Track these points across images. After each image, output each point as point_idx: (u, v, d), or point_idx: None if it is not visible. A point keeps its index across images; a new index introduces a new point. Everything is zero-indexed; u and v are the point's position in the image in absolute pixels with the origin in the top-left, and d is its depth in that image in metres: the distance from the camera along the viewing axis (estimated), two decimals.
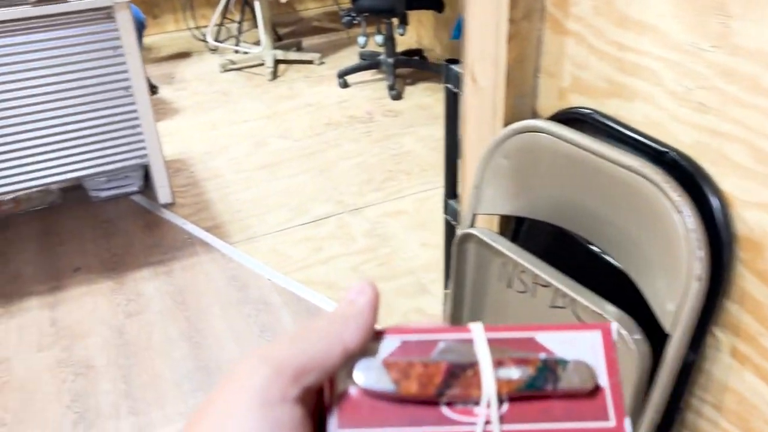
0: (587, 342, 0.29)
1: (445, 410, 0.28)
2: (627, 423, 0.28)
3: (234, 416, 0.25)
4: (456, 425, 0.28)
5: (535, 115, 1.11)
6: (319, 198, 2.49)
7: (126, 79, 2.26)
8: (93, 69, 2.21)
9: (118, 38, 2.19)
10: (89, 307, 1.99)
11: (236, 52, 3.93)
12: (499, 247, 1.01)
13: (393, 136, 2.94)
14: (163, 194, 2.48)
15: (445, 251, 1.68)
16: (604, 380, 0.29)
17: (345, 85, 3.44)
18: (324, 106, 3.24)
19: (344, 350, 0.27)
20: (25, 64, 2.13)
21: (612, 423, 0.28)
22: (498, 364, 0.28)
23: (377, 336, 0.29)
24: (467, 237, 1.07)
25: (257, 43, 3.83)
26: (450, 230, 1.66)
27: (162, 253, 2.22)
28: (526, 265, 0.97)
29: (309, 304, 1.97)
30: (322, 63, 3.75)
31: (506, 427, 0.28)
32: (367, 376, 0.28)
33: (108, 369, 1.77)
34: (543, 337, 0.29)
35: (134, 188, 2.56)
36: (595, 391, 0.29)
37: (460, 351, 0.29)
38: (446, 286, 1.72)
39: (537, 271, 0.95)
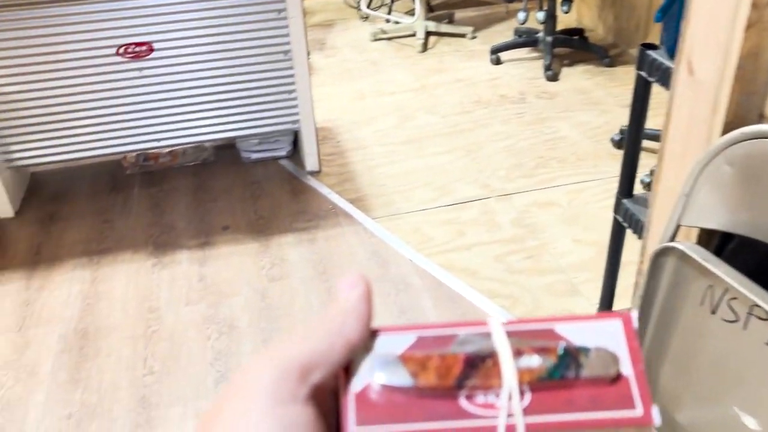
0: (608, 331, 0.29)
1: (465, 403, 0.27)
2: (655, 411, 0.27)
3: (247, 417, 0.25)
4: (477, 419, 0.27)
5: (762, 118, 0.95)
6: (465, 179, 2.40)
7: (287, 43, 2.26)
8: (255, 30, 2.22)
9: (283, 0, 2.19)
10: (236, 267, 2.03)
11: (387, 21, 3.88)
12: (711, 267, 0.87)
13: (547, 119, 2.78)
14: (311, 162, 2.48)
15: (609, 253, 1.55)
16: (627, 369, 0.28)
17: (497, 62, 3.30)
18: (474, 83, 3.13)
19: (347, 344, 0.27)
20: (190, 23, 2.18)
21: (639, 411, 0.27)
22: (517, 353, 0.27)
23: (373, 333, 0.29)
24: (668, 251, 0.94)
25: (409, 12, 3.76)
26: (618, 232, 1.52)
27: (306, 221, 2.22)
28: (744, 292, 0.84)
29: (451, 291, 1.90)
30: (474, 37, 3.63)
31: (529, 419, 0.27)
32: (384, 371, 0.27)
33: (250, 330, 1.79)
34: (562, 328, 0.29)
35: (283, 153, 2.58)
36: (619, 379, 0.28)
37: (478, 343, 0.28)
38: (602, 294, 1.58)
39: (759, 301, 0.82)
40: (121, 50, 2.17)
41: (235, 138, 2.48)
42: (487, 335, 0.28)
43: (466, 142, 2.64)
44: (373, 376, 0.28)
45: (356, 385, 0.28)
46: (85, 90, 2.19)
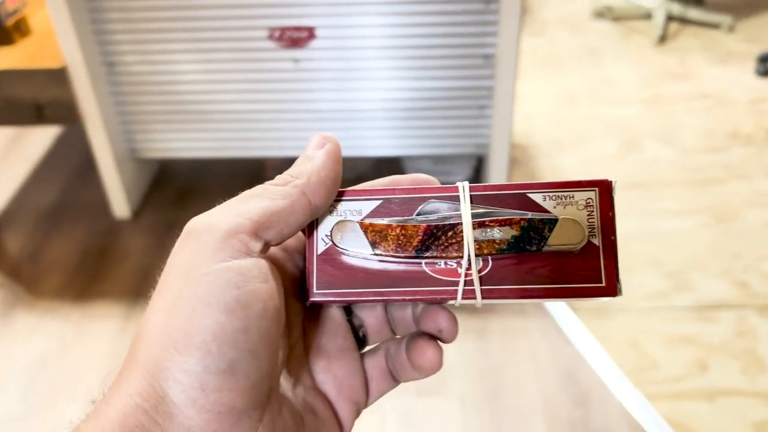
0: (583, 199, 0.28)
1: (426, 268, 0.27)
2: (619, 284, 0.27)
3: (199, 269, 0.24)
4: (437, 284, 0.27)
5: None
6: (711, 267, 1.68)
7: (490, 45, 1.62)
8: (448, 24, 1.61)
9: None
10: None
11: None
12: None
13: None
14: None
15: None
16: (598, 239, 0.28)
17: (766, 73, 2.43)
18: (729, 102, 2.30)
19: (307, 205, 0.27)
20: (364, 7, 1.60)
21: (602, 283, 0.27)
22: (480, 225, 0.27)
23: (340, 194, 0.29)
24: None
25: None
26: None
27: None
28: None
29: None
30: (731, 31, 2.73)
31: (488, 286, 0.27)
32: (344, 238, 0.27)
33: None
34: (535, 195, 0.28)
35: (459, 177, 1.98)
36: (588, 250, 0.27)
37: (442, 212, 0.28)
38: None
39: None
40: (275, 34, 1.64)
41: (402, 156, 1.91)
42: (452, 204, 0.28)
43: (714, 201, 1.88)
44: (332, 240, 0.28)
45: (320, 247, 0.28)
46: (227, 78, 1.71)
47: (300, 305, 0.30)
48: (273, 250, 0.29)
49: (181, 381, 0.24)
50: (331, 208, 0.29)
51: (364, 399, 0.31)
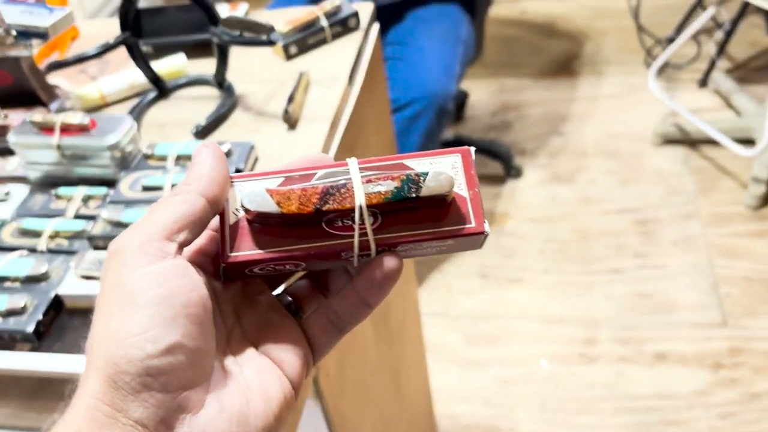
0: (449, 163, 0.33)
1: (326, 228, 0.31)
2: (486, 225, 0.32)
3: (124, 277, 0.28)
4: (337, 238, 0.31)
5: None
6: None
7: None
8: None
9: None
10: None
11: None
12: None
13: None
14: None
15: None
16: (464, 192, 0.32)
17: None
18: None
19: (205, 202, 0.30)
20: None
21: (473, 224, 0.32)
22: (367, 181, 0.31)
23: (243, 176, 0.32)
24: None
25: None
26: None
27: None
28: None
29: None
30: None
31: (379, 235, 0.31)
32: (251, 200, 0.30)
33: None
34: (411, 162, 0.33)
35: None
36: (459, 201, 0.32)
37: (336, 177, 0.32)
38: None
39: None
40: None
41: None
42: (344, 171, 0.32)
43: None
44: (243, 205, 0.31)
45: (231, 219, 0.31)
46: None
47: (227, 295, 0.33)
48: (192, 256, 0.32)
49: (129, 371, 0.27)
50: (236, 187, 0.32)
51: (310, 355, 0.34)
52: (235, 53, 0.83)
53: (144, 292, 0.27)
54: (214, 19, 0.74)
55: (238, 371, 0.31)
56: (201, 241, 0.32)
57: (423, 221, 0.32)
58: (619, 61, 2.46)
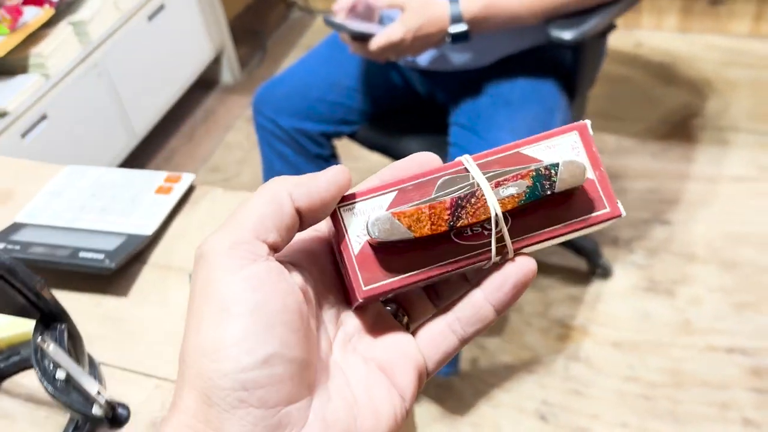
0: (568, 143, 0.31)
1: (457, 239, 0.29)
2: (620, 205, 0.31)
3: (215, 284, 0.26)
4: (471, 249, 0.29)
5: None
6: None
7: None
8: None
9: None
10: None
11: None
12: None
13: None
14: None
15: None
16: (590, 173, 0.31)
17: None
18: None
19: (293, 207, 0.28)
20: None
21: (608, 208, 0.31)
22: (496, 185, 0.29)
23: (349, 198, 0.30)
24: None
25: None
26: None
27: None
28: None
29: None
30: None
31: (516, 239, 0.30)
32: (380, 229, 0.28)
33: None
34: (527, 150, 0.31)
35: None
36: (586, 185, 0.31)
37: (458, 184, 0.30)
38: None
39: None
40: None
41: None
42: (464, 176, 0.30)
43: None
44: (371, 235, 0.29)
45: (355, 248, 0.29)
46: None
47: (330, 301, 0.31)
48: (296, 255, 0.30)
49: (224, 386, 0.25)
50: (350, 211, 0.30)
51: (424, 367, 0.30)
52: None
53: (236, 299, 0.26)
54: None
55: (343, 383, 0.28)
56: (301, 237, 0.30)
57: (555, 213, 0.30)
58: (753, 129, 1.99)
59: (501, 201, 0.29)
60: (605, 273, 1.64)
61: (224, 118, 2.37)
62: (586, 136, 0.31)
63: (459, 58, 1.20)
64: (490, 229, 0.29)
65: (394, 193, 0.30)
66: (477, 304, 0.30)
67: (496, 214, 0.29)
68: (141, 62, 2.00)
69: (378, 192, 0.30)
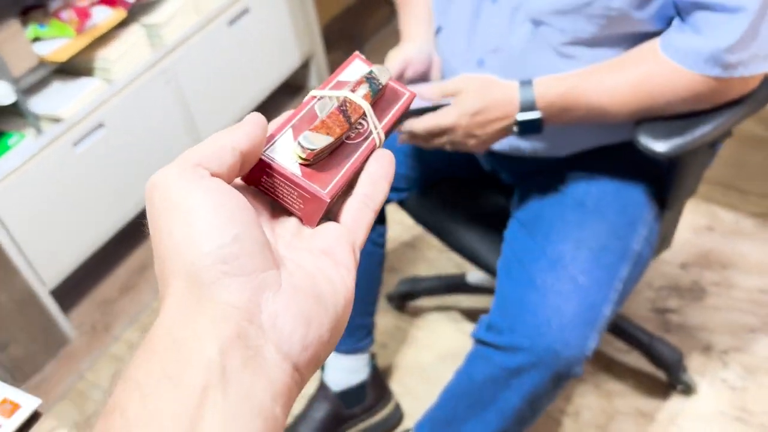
0: (360, 66, 0.42)
1: (351, 141, 0.37)
2: (409, 88, 0.42)
3: (175, 202, 0.31)
4: (364, 141, 0.38)
5: None
6: None
7: None
8: None
9: None
10: None
11: None
12: None
13: None
14: None
15: None
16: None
17: None
18: None
19: (234, 149, 0.33)
20: None
21: (407, 93, 0.41)
22: (352, 92, 0.38)
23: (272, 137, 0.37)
24: None
25: None
26: None
27: None
28: None
29: None
30: None
31: (382, 124, 0.39)
32: (310, 141, 0.35)
33: None
34: (342, 77, 0.41)
35: None
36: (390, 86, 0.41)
37: (329, 103, 0.38)
38: None
39: None
40: None
41: None
42: (328, 98, 0.39)
43: None
44: (306, 149, 0.35)
45: (295, 171, 0.35)
46: None
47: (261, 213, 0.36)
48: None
49: (206, 263, 0.29)
50: (272, 151, 0.36)
51: (353, 239, 0.36)
52: None
53: (198, 202, 0.30)
54: None
55: (299, 267, 0.33)
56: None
57: (385, 104, 0.40)
58: None
59: (362, 96, 0.39)
60: (687, 390, 1.38)
61: None
62: (363, 59, 0.42)
63: (528, 144, 0.99)
64: (366, 126, 0.38)
65: (291, 130, 0.37)
66: (372, 179, 0.37)
67: (367, 105, 0.39)
68: (215, 70, 1.90)
69: (279, 134, 0.37)
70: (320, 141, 0.35)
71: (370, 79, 0.39)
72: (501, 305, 0.97)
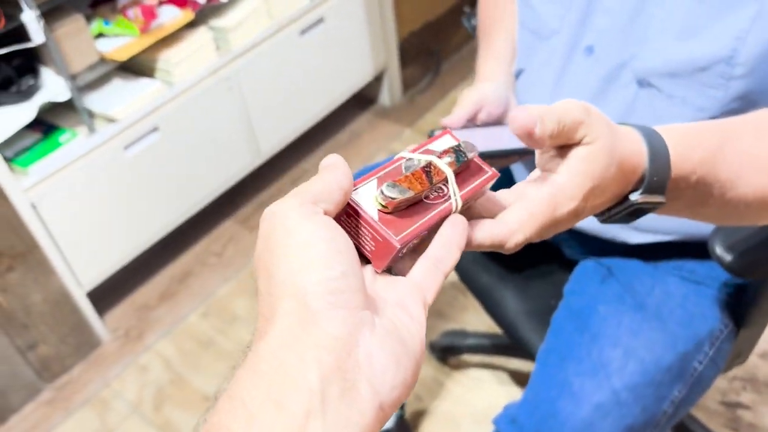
0: (447, 141, 0.44)
1: (429, 202, 0.40)
2: (493, 168, 0.44)
3: (291, 231, 0.34)
4: (442, 203, 0.40)
5: None
6: None
7: None
8: None
9: None
10: None
11: None
12: None
13: None
14: None
15: None
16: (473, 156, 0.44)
17: None
18: None
19: (342, 188, 0.37)
20: None
21: (490, 172, 0.43)
22: (439, 157, 0.41)
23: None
24: None
25: None
26: None
27: None
28: None
29: None
30: None
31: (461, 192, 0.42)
32: (392, 190, 0.38)
33: None
34: (432, 146, 0.44)
35: None
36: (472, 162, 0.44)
37: (416, 161, 0.41)
38: None
39: None
40: None
41: None
42: (414, 160, 0.42)
43: None
44: (388, 198, 0.38)
45: (374, 216, 0.39)
46: None
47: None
48: None
49: (317, 291, 0.32)
50: (356, 195, 0.39)
51: (424, 297, 0.37)
52: None
53: (314, 235, 0.33)
54: None
55: (381, 310, 0.35)
56: None
57: (466, 177, 0.42)
58: None
59: (447, 164, 0.41)
60: None
61: (369, 146, 2.14)
62: (454, 135, 0.45)
63: (592, 222, 0.85)
64: (446, 190, 0.41)
65: (375, 180, 0.40)
66: (445, 243, 0.39)
67: (450, 172, 0.41)
68: (281, 79, 1.82)
69: (364, 182, 0.40)
70: (401, 193, 0.38)
71: (457, 150, 0.42)
72: (531, 400, 0.84)
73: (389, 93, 2.25)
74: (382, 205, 0.38)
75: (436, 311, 1.59)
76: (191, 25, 1.62)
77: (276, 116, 1.86)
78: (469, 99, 0.90)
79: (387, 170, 0.41)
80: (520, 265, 1.06)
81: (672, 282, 0.86)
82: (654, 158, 0.48)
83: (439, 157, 0.41)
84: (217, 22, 1.65)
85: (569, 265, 0.99)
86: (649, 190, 0.48)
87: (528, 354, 0.97)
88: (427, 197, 0.40)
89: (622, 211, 0.49)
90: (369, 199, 0.39)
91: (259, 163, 1.88)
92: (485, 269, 1.07)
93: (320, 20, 1.84)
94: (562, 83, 0.86)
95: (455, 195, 0.40)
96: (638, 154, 0.47)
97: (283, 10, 1.75)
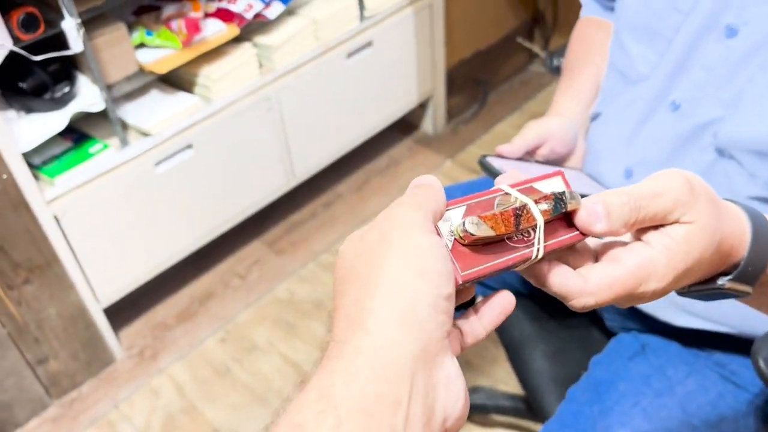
0: (558, 183, 0.43)
1: (511, 244, 0.40)
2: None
3: (412, 240, 0.35)
4: (523, 248, 0.40)
5: None
6: None
7: None
8: None
9: None
10: None
11: None
12: None
13: None
14: None
15: None
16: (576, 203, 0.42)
17: None
18: None
19: (441, 213, 0.38)
20: None
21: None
22: (536, 202, 0.40)
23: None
24: None
25: None
26: None
27: None
28: None
29: None
30: None
31: (546, 243, 0.40)
32: (474, 226, 0.38)
33: None
34: (537, 185, 0.42)
35: None
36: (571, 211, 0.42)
37: (508, 202, 0.40)
38: None
39: None
40: None
41: None
42: (507, 195, 0.41)
43: None
44: (468, 233, 0.38)
45: (449, 245, 0.38)
46: None
47: None
48: None
49: (427, 300, 0.34)
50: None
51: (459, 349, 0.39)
52: None
53: (434, 251, 0.35)
54: None
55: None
56: None
57: (563, 228, 0.41)
58: None
59: (541, 212, 0.40)
60: None
61: (407, 174, 2.07)
62: (565, 179, 0.43)
63: None
64: (531, 235, 0.40)
65: (465, 207, 0.40)
66: (486, 315, 0.41)
67: (541, 221, 0.40)
68: (323, 102, 1.75)
69: (454, 206, 0.40)
70: (482, 231, 0.38)
71: (558, 198, 0.40)
72: None
73: (432, 121, 2.17)
74: (460, 237, 0.38)
75: (465, 362, 1.50)
76: (235, 41, 1.56)
77: (314, 138, 1.79)
78: (533, 130, 0.83)
79: (479, 200, 0.40)
80: (556, 326, 0.97)
81: (710, 376, 0.77)
82: (755, 247, 0.43)
83: (537, 201, 0.40)
84: (262, 39, 1.59)
85: (608, 336, 0.91)
86: (739, 279, 0.44)
87: (541, 416, 0.89)
88: (510, 238, 0.40)
89: (704, 290, 0.45)
90: (450, 225, 0.39)
91: (294, 185, 1.81)
92: (519, 323, 0.99)
93: (369, 44, 1.77)
94: (639, 136, 0.78)
95: (539, 244, 0.40)
96: (739, 237, 0.43)
97: (331, 32, 1.68)
